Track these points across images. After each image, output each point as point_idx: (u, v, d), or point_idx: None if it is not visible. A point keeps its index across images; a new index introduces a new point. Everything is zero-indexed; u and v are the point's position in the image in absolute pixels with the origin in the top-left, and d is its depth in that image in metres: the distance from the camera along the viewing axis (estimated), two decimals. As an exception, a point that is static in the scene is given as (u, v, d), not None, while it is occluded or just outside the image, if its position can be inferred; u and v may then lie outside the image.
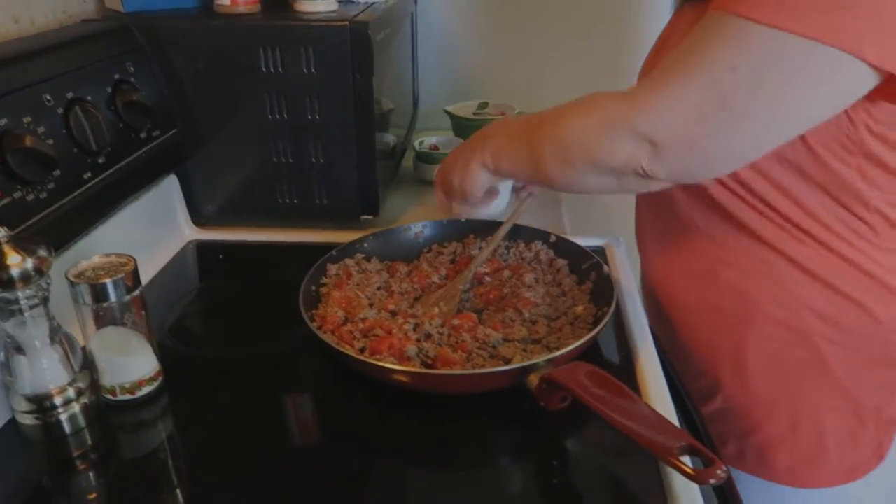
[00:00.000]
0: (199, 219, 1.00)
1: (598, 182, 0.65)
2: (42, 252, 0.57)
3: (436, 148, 1.21)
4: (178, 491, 0.57)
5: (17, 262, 0.55)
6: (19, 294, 0.57)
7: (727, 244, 0.75)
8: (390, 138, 1.14)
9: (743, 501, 0.79)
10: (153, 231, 0.92)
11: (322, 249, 0.83)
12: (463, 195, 0.76)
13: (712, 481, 0.46)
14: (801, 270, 0.71)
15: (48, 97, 0.69)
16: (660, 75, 0.59)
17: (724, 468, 0.46)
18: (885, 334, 0.72)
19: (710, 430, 0.79)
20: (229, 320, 0.82)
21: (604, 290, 0.74)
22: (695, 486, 0.53)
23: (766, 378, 0.76)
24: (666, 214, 0.81)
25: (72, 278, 0.61)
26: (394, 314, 0.73)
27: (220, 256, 0.96)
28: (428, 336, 0.69)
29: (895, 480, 0.80)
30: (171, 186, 0.95)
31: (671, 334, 0.83)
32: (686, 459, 0.48)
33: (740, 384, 0.77)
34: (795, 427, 0.75)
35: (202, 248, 0.98)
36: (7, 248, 0.55)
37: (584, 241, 0.86)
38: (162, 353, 0.68)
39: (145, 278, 0.72)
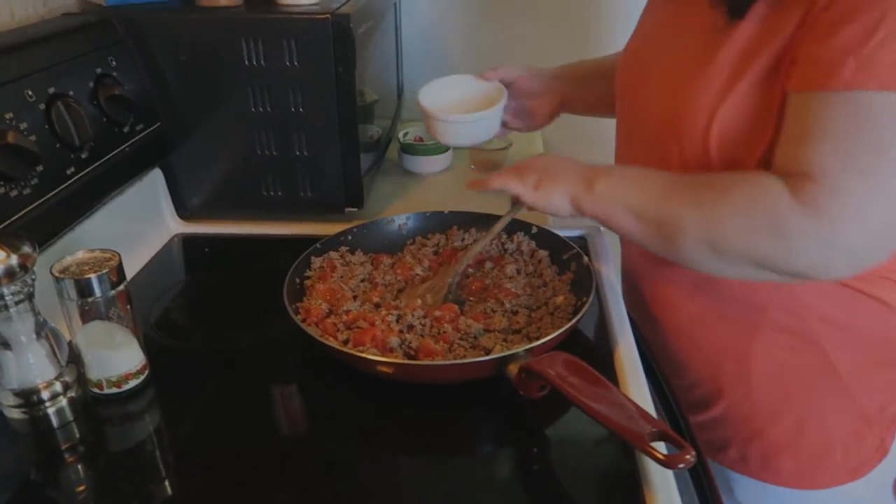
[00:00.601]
0: (184, 212, 1.00)
1: (740, 272, 0.64)
2: (26, 248, 0.58)
3: (420, 140, 1.22)
4: (165, 483, 0.58)
5: (1, 259, 0.56)
6: (4, 290, 0.57)
7: (721, 292, 0.74)
8: (375, 130, 1.15)
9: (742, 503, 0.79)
10: (138, 225, 0.92)
11: (307, 242, 0.84)
12: (530, 201, 0.73)
13: (681, 466, 0.47)
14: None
15: (29, 92, 0.69)
16: (827, 177, 0.56)
17: (693, 453, 0.48)
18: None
19: (710, 436, 0.80)
20: (215, 313, 0.83)
21: (584, 281, 0.75)
22: (669, 472, 0.54)
23: (771, 384, 0.76)
24: None
25: (56, 274, 0.62)
26: (377, 306, 0.74)
27: (206, 249, 0.97)
28: (411, 327, 0.70)
29: (894, 474, 0.81)
30: (155, 180, 0.96)
31: (657, 333, 0.83)
32: (660, 446, 0.50)
33: (743, 391, 0.77)
34: (801, 431, 0.76)
35: (187, 241, 0.98)
36: (-9, 245, 0.56)
37: (565, 231, 0.87)
38: (148, 346, 0.68)
39: (131, 272, 0.72)
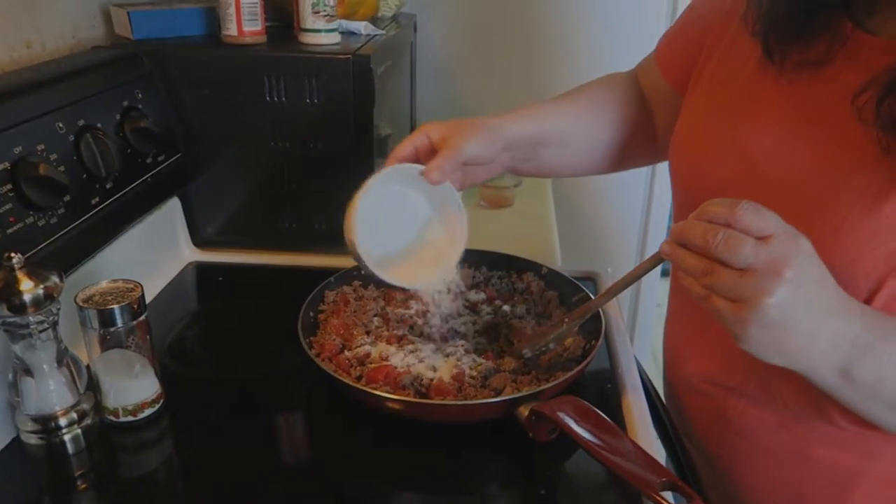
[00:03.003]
0: (199, 240, 1.02)
1: None
2: (53, 278, 0.59)
3: (432, 174, 1.23)
4: (177, 512, 0.59)
5: (29, 288, 0.57)
6: (30, 318, 0.59)
7: (822, 425, 0.61)
8: (388, 164, 1.17)
9: None
10: (155, 252, 0.94)
11: (320, 273, 0.85)
12: (736, 332, 0.50)
13: (691, 517, 0.48)
14: None
15: (60, 125, 0.72)
16: None
17: (703, 505, 0.48)
18: None
19: None
20: (227, 341, 0.84)
21: (592, 324, 0.76)
22: (675, 521, 0.55)
23: None
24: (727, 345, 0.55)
25: (80, 303, 0.63)
26: (400, 339, 0.75)
27: (220, 278, 0.98)
28: (422, 360, 0.71)
29: None
30: (173, 209, 0.98)
31: (709, 448, 0.72)
32: (668, 495, 0.51)
33: None
34: None
35: (201, 269, 1.00)
36: (20, 275, 0.57)
37: (574, 271, 0.89)
38: (161, 373, 0.70)
39: (146, 299, 0.74)
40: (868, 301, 0.54)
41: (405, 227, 0.73)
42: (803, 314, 0.48)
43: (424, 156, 0.71)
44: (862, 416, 0.54)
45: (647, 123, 0.86)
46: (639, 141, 0.86)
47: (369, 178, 0.69)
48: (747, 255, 0.47)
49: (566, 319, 0.71)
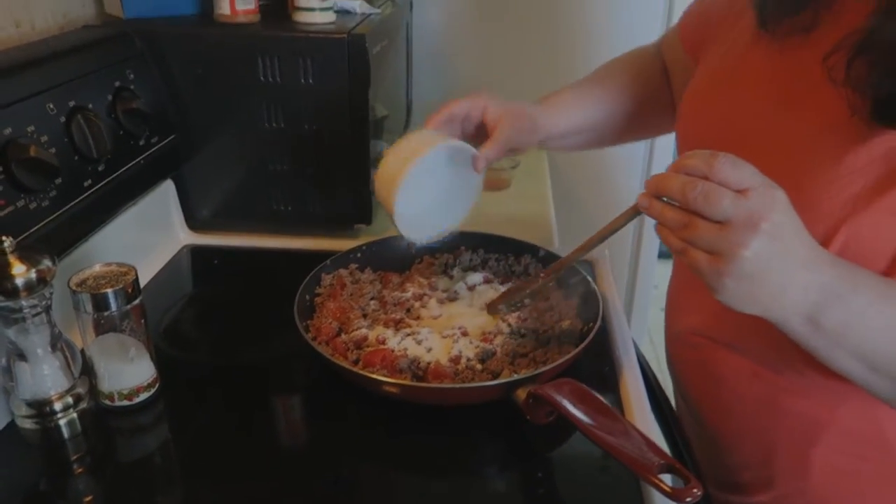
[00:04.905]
0: (194, 223, 1.01)
1: None
2: (46, 262, 0.59)
3: (428, 156, 1.23)
4: (172, 495, 0.59)
5: (21, 272, 0.57)
6: (23, 303, 0.58)
7: (812, 372, 0.62)
8: (384, 145, 1.16)
9: None
10: (149, 235, 0.93)
11: (315, 256, 0.84)
12: (711, 283, 0.51)
13: (689, 500, 0.48)
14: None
15: (51, 106, 0.71)
16: None
17: (701, 488, 0.48)
18: None
19: None
20: (222, 325, 0.84)
21: (590, 306, 0.76)
22: None
23: (831, 487, 0.67)
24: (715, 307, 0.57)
25: (74, 287, 0.62)
26: (399, 322, 0.75)
27: (215, 261, 0.97)
28: (419, 343, 0.71)
29: None
30: (167, 191, 0.97)
31: (703, 409, 0.75)
32: (666, 478, 0.51)
33: (798, 487, 0.69)
34: None
35: (196, 252, 0.99)
36: (12, 259, 0.57)
37: (571, 255, 0.89)
38: (156, 357, 0.69)
39: (141, 282, 0.73)
40: (824, 246, 0.55)
41: (428, 188, 0.74)
42: (778, 266, 0.49)
43: (469, 123, 0.75)
44: (828, 364, 0.55)
45: (669, 97, 0.89)
46: (661, 115, 0.89)
47: (419, 141, 0.71)
48: (726, 207, 0.47)
49: (542, 275, 0.75)
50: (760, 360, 0.67)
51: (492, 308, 0.77)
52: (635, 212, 0.56)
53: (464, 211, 0.77)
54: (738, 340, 0.68)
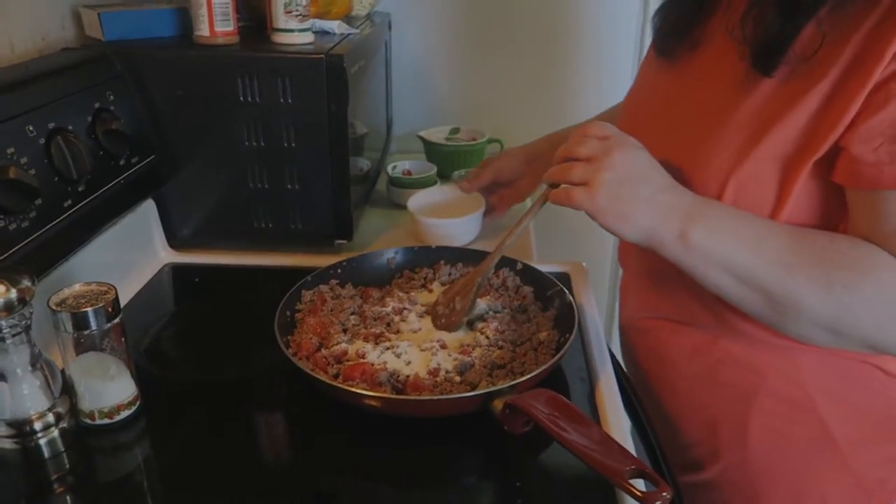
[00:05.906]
0: (175, 242, 1.02)
1: (844, 345, 0.62)
2: (25, 282, 0.59)
3: (408, 173, 1.25)
4: (155, 513, 0.59)
5: (1, 293, 0.57)
6: (2, 323, 0.58)
7: (731, 316, 0.70)
8: (364, 163, 1.18)
9: None
10: (130, 254, 0.94)
11: (296, 273, 0.85)
12: (591, 212, 0.62)
13: (658, 503, 0.49)
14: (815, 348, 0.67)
15: (31, 128, 0.71)
16: None
17: (670, 491, 0.50)
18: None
19: (705, 498, 0.78)
20: (204, 343, 0.84)
21: (566, 317, 0.77)
22: (646, 507, 0.56)
23: (768, 452, 0.74)
24: (661, 267, 0.68)
25: (53, 307, 0.63)
26: (378, 336, 0.76)
27: (196, 279, 0.98)
28: (398, 356, 0.72)
29: None
30: (148, 211, 0.97)
31: (653, 391, 0.82)
32: (639, 483, 0.52)
33: (740, 457, 0.75)
34: (798, 499, 0.75)
35: (178, 270, 1.00)
36: (-8, 279, 0.57)
37: (549, 267, 0.90)
38: (137, 375, 0.70)
39: (122, 301, 0.74)
40: (719, 198, 0.63)
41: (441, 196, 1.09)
42: (639, 185, 0.61)
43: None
44: (705, 285, 0.63)
45: None
46: None
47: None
48: (589, 146, 0.63)
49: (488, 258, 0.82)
50: (698, 329, 0.74)
51: (447, 307, 0.79)
52: (545, 197, 0.69)
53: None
54: (679, 311, 0.76)
